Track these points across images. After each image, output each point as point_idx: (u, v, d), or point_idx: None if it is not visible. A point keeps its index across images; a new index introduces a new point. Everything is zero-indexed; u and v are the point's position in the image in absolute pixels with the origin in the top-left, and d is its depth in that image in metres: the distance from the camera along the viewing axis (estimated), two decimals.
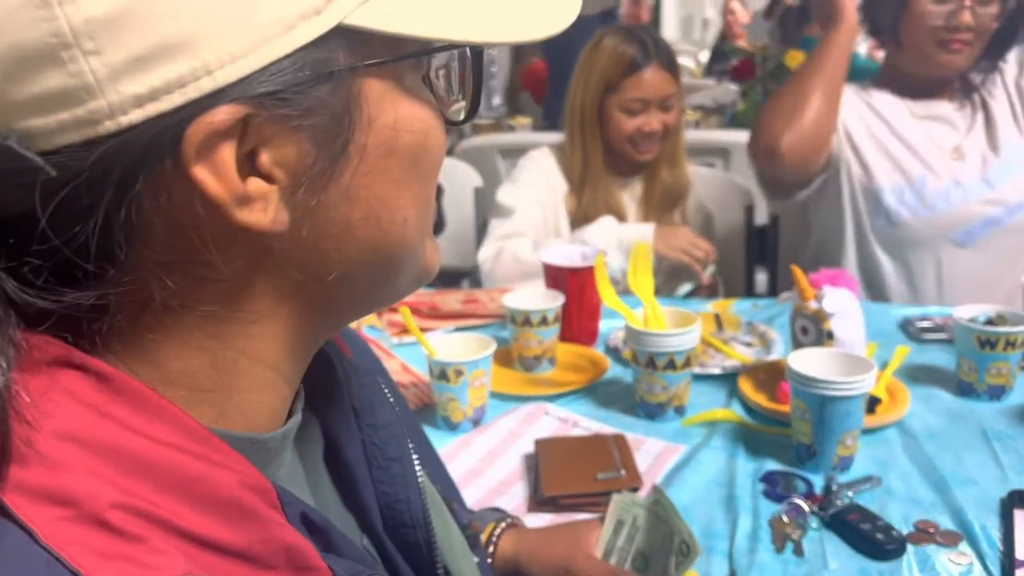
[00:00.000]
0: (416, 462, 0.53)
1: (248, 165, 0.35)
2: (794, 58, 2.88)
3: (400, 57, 0.38)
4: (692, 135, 2.88)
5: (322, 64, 0.35)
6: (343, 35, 0.35)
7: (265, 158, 0.35)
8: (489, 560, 0.73)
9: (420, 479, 0.52)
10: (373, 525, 0.50)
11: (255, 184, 0.35)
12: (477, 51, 0.43)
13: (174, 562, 0.32)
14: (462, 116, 0.44)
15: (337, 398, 0.51)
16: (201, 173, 0.33)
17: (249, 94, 0.34)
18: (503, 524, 0.76)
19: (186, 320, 0.37)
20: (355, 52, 0.36)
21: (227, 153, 0.34)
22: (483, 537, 0.74)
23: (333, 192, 0.38)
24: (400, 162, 0.40)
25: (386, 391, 0.55)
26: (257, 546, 0.34)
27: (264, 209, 0.36)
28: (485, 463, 1.00)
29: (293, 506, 0.38)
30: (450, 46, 0.40)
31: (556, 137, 1.84)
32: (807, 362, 0.95)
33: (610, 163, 1.73)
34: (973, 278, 1.52)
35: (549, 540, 0.77)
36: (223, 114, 0.33)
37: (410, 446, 0.53)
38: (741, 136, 2.60)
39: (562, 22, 0.41)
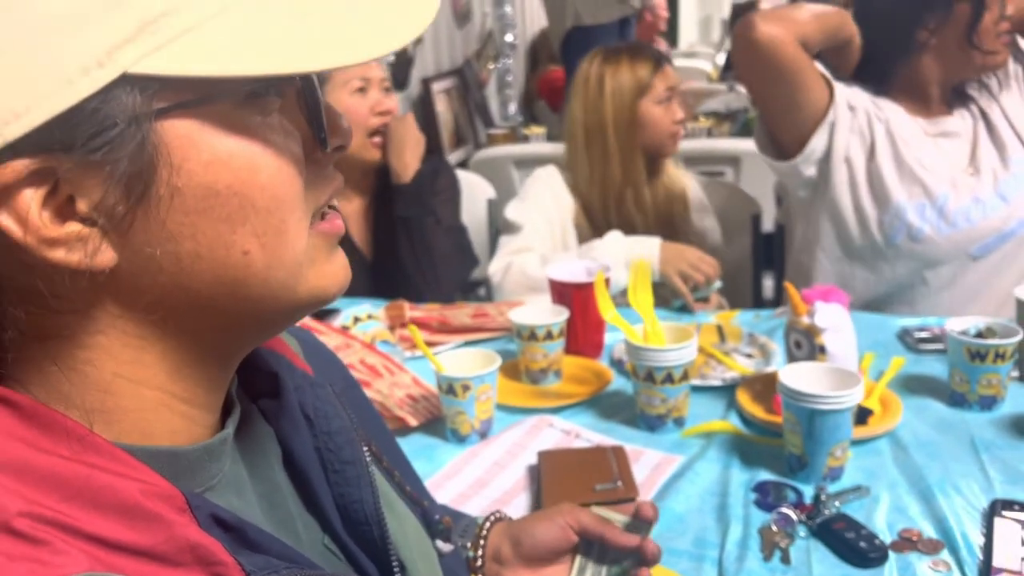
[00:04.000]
0: (369, 463, 0.57)
1: (69, 209, 0.38)
2: None
3: (200, 98, 0.39)
4: (703, 143, 2.90)
5: (114, 112, 0.37)
6: (132, 82, 0.37)
7: (82, 204, 0.38)
8: (480, 551, 0.77)
9: (372, 479, 0.56)
10: (333, 525, 0.55)
11: (73, 227, 0.38)
12: (306, 81, 0.44)
13: (76, 560, 0.35)
14: (324, 145, 0.45)
15: (287, 409, 0.55)
16: (5, 221, 0.37)
17: (43, 145, 0.36)
18: (491, 519, 0.81)
19: (58, 347, 0.41)
20: (149, 96, 0.38)
21: (30, 202, 0.37)
22: (475, 532, 0.79)
23: (153, 231, 0.40)
24: (224, 201, 0.40)
25: (340, 400, 0.58)
26: (161, 545, 0.38)
27: (82, 249, 0.38)
28: (491, 474, 1.05)
29: (203, 509, 0.41)
30: (254, 81, 0.40)
31: None
32: (797, 376, 0.99)
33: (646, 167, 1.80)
34: (987, 290, 1.53)
35: (534, 515, 0.82)
36: (12, 168, 0.36)
37: (364, 449, 0.57)
38: (752, 144, 2.63)
39: (368, 49, 0.40)
